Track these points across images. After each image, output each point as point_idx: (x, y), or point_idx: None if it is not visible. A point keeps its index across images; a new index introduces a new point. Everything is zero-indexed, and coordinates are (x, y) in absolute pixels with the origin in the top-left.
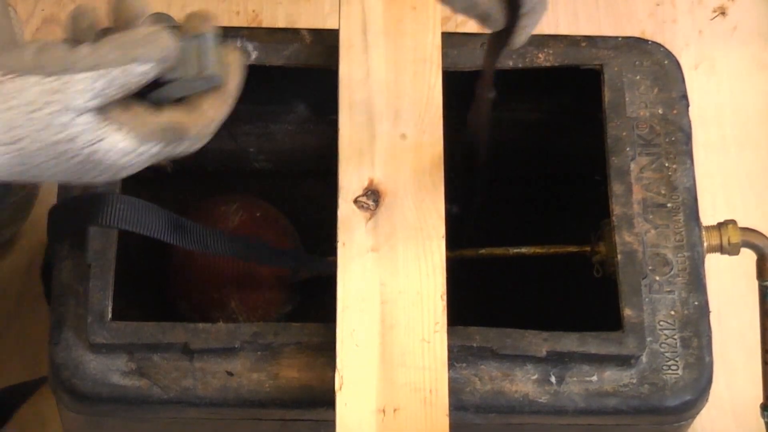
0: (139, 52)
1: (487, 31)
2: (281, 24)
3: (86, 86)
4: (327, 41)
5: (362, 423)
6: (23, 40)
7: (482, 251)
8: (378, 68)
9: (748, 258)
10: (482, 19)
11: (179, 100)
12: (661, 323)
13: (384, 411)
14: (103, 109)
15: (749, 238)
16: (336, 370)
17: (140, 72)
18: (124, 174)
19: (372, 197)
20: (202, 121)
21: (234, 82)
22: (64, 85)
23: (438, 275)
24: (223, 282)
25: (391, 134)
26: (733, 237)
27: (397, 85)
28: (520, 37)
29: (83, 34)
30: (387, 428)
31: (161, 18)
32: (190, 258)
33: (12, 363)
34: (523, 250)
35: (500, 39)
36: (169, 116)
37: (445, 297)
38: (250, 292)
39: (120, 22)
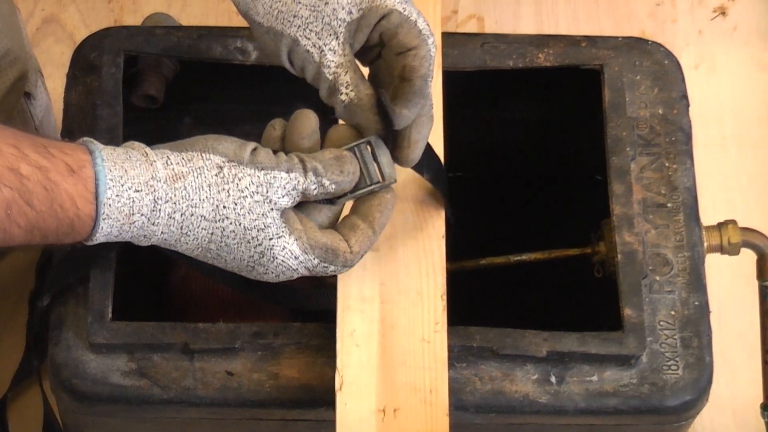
0: (327, 172)
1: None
2: None
3: (283, 184)
4: None
5: (362, 423)
6: (28, 41)
7: (483, 261)
8: None
9: (748, 258)
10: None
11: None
12: (661, 323)
13: (384, 411)
14: (284, 214)
15: (749, 238)
16: (336, 370)
17: (323, 185)
18: (283, 278)
19: None
20: (348, 255)
21: (380, 221)
22: (270, 179)
23: (438, 275)
24: (224, 308)
25: None
26: (733, 237)
27: None
28: (405, 154)
29: (273, 142)
30: (387, 428)
31: (166, 18)
32: (190, 283)
33: (13, 362)
34: (524, 257)
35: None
36: (330, 238)
37: (445, 297)
38: (251, 318)
39: (292, 139)
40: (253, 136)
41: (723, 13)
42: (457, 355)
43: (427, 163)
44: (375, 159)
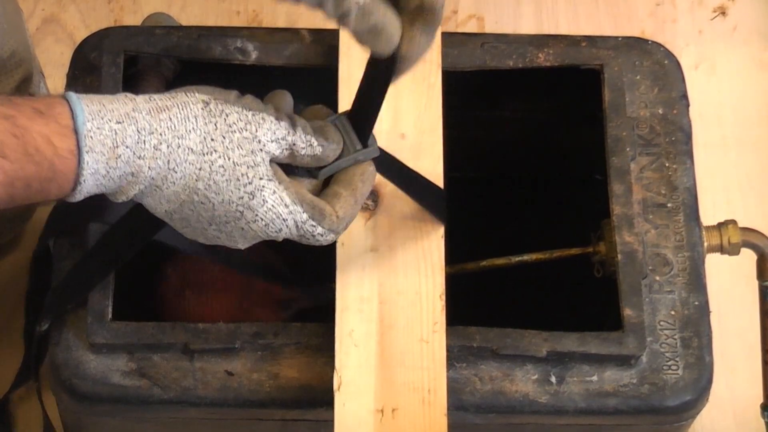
0: (316, 134)
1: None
2: (281, 24)
3: (272, 128)
4: (327, 41)
5: (360, 423)
6: (32, 42)
7: (484, 263)
8: None
9: (748, 258)
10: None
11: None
12: (661, 323)
13: (382, 411)
14: (272, 165)
15: (749, 238)
16: (335, 371)
17: (312, 144)
18: (271, 231)
19: (371, 197)
20: (334, 218)
21: (361, 191)
22: (259, 120)
23: (437, 275)
24: (219, 319)
25: (390, 134)
26: (733, 237)
27: (397, 85)
28: (405, 63)
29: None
30: (385, 428)
31: (166, 18)
32: (184, 295)
33: (13, 362)
34: (525, 257)
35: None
36: (317, 199)
37: (443, 297)
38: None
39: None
40: None
41: (723, 13)
42: (457, 355)
43: (422, 191)
44: (354, 130)
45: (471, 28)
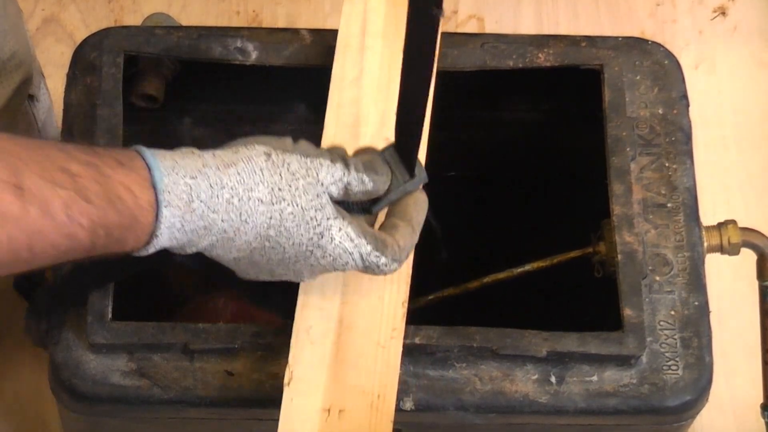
0: (366, 170)
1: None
2: (281, 24)
3: (330, 171)
4: (327, 41)
5: (306, 420)
6: (32, 43)
7: (486, 279)
8: (371, 69)
9: (748, 258)
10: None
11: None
12: (661, 323)
13: (329, 411)
14: (334, 204)
15: (749, 238)
16: (287, 365)
17: (364, 181)
18: (337, 265)
19: None
20: (396, 248)
21: (417, 219)
22: (317, 164)
23: (402, 282)
24: (223, 314)
25: (374, 137)
26: (733, 237)
27: (388, 88)
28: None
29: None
30: (330, 428)
31: (166, 18)
32: (184, 308)
33: (13, 362)
34: (527, 267)
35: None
36: (378, 231)
37: (406, 304)
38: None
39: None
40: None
41: (723, 13)
42: (457, 355)
43: None
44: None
45: (471, 28)
